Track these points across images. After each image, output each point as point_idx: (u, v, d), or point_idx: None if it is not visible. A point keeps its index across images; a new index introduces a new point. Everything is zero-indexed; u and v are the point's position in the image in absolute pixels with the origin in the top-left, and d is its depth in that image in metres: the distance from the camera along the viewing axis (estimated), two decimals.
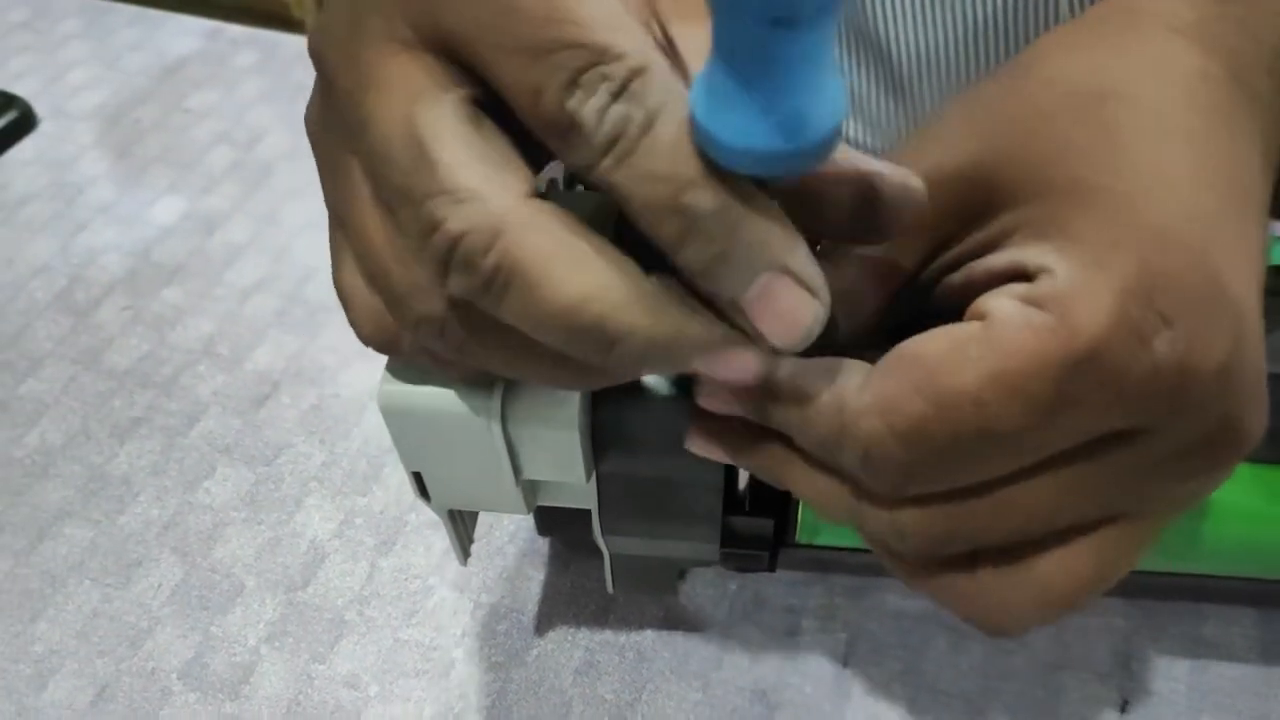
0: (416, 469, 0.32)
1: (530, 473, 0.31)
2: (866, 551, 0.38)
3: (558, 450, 0.30)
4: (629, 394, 0.31)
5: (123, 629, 0.45)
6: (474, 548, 0.47)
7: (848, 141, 0.26)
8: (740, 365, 0.22)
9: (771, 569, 0.38)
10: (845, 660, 0.44)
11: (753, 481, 0.35)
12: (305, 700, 0.43)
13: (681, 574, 0.46)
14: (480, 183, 0.21)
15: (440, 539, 0.48)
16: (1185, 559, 0.35)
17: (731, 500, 0.35)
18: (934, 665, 0.44)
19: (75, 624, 0.45)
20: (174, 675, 0.44)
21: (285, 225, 0.63)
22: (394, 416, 0.30)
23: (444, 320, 0.23)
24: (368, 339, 0.26)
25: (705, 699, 0.43)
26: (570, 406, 0.29)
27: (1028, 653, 0.44)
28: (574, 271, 0.20)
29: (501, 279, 0.21)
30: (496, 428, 0.29)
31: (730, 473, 0.33)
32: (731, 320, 0.22)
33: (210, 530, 0.49)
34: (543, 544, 0.48)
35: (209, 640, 0.45)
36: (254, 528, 0.49)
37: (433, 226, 0.21)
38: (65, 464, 0.51)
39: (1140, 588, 0.45)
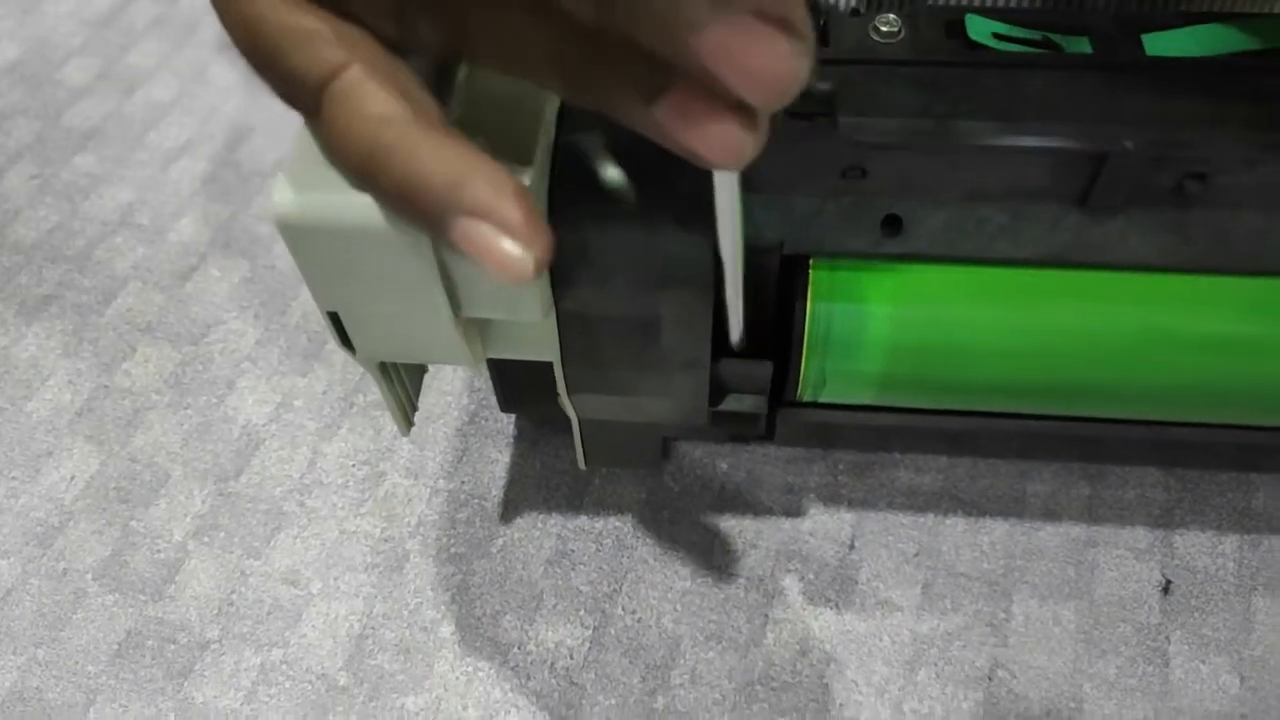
0: (332, 307, 0.26)
1: (472, 308, 0.25)
2: (876, 409, 0.33)
3: None
4: (594, 211, 0.25)
5: (29, 526, 0.40)
6: (430, 429, 0.42)
7: None
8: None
9: (769, 436, 0.32)
10: (851, 543, 0.39)
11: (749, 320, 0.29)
12: (239, 599, 0.38)
13: (666, 450, 0.41)
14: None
15: (390, 421, 0.42)
16: (1225, 406, 0.30)
17: (721, 347, 0.29)
18: (950, 545, 0.39)
19: None
20: (89, 575, 0.38)
21: (215, 83, 0.55)
22: (297, 234, 0.23)
23: None
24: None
25: (694, 588, 0.38)
26: None
27: (1056, 528, 0.39)
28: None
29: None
30: (425, 245, 0.23)
31: (720, 310, 0.27)
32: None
33: (130, 416, 0.43)
34: (507, 423, 0.42)
35: (129, 536, 0.39)
36: (180, 413, 0.43)
37: None
38: None
39: (1180, 452, 0.40)
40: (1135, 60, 0.27)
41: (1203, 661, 0.36)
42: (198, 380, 0.44)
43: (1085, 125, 0.26)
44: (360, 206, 0.23)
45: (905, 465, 0.41)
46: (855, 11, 0.29)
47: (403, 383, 0.31)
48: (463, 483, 0.41)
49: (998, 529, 0.39)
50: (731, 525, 0.39)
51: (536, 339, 0.28)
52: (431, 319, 0.25)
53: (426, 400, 0.43)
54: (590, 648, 0.36)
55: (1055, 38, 0.28)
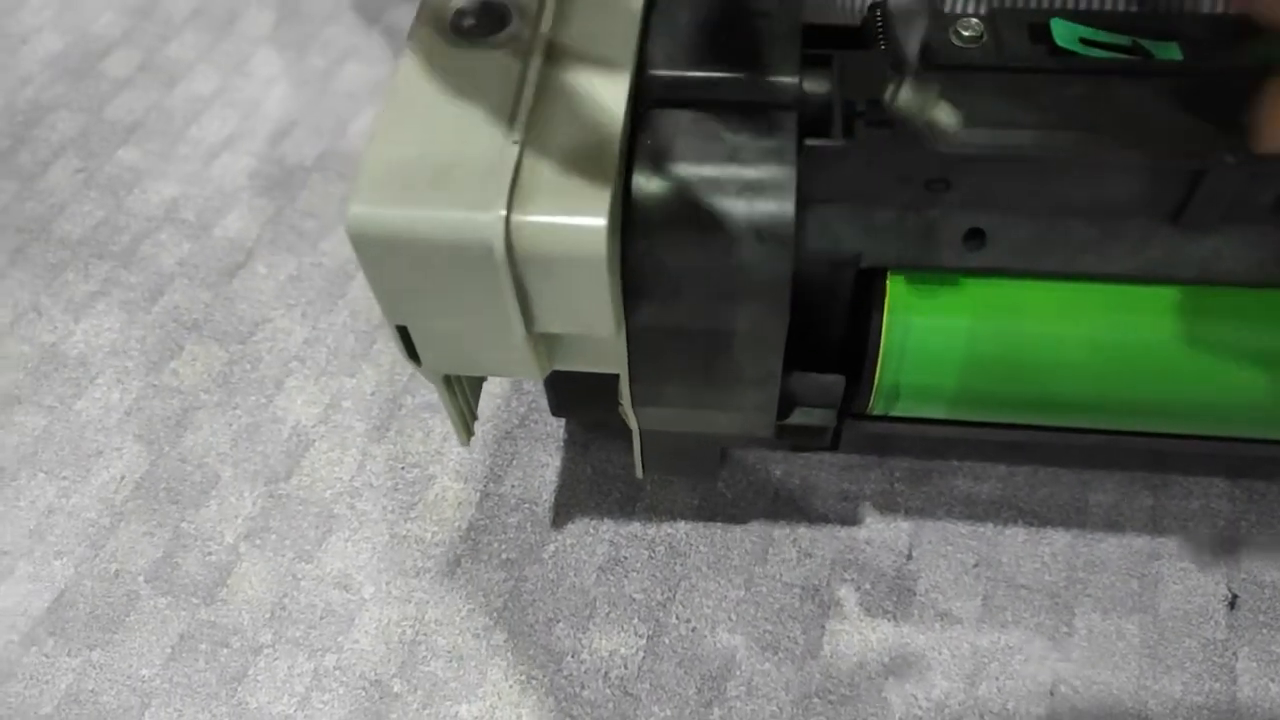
0: (401, 321, 0.25)
1: (545, 322, 0.25)
2: (941, 423, 0.32)
3: (580, 288, 0.23)
4: (671, 223, 0.24)
5: (81, 527, 0.40)
6: (479, 429, 0.42)
7: None
8: None
9: (834, 447, 0.32)
10: (909, 553, 0.38)
11: (818, 327, 0.29)
12: (291, 603, 0.38)
13: (721, 457, 0.40)
14: None
15: (441, 423, 0.42)
16: None
17: (790, 358, 0.28)
18: (1011, 556, 0.38)
19: (28, 521, 0.40)
20: (140, 578, 0.38)
21: (256, 76, 0.55)
22: (369, 246, 0.23)
23: None
24: None
25: (749, 596, 0.37)
26: (596, 231, 0.22)
27: (1119, 540, 0.38)
28: None
29: None
30: (500, 256, 0.22)
31: (793, 323, 0.27)
32: None
33: (179, 416, 0.43)
34: (558, 427, 0.42)
35: (180, 538, 0.39)
36: (228, 413, 0.43)
37: None
38: (14, 344, 0.45)
39: (1245, 463, 0.39)
40: (1228, 67, 0.26)
41: (1272, 680, 0.35)
42: (246, 380, 0.44)
43: (1180, 138, 0.25)
44: (435, 220, 0.23)
45: (963, 473, 0.40)
46: (936, 12, 0.29)
47: (464, 392, 0.30)
48: (513, 487, 0.40)
49: (1059, 539, 0.38)
50: (786, 533, 0.39)
51: (605, 352, 0.27)
52: (503, 334, 0.25)
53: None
54: (644, 657, 0.36)
55: (1144, 43, 0.27)
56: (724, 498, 0.40)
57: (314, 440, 0.42)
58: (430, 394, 0.43)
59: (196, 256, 0.48)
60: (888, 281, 0.27)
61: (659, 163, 0.25)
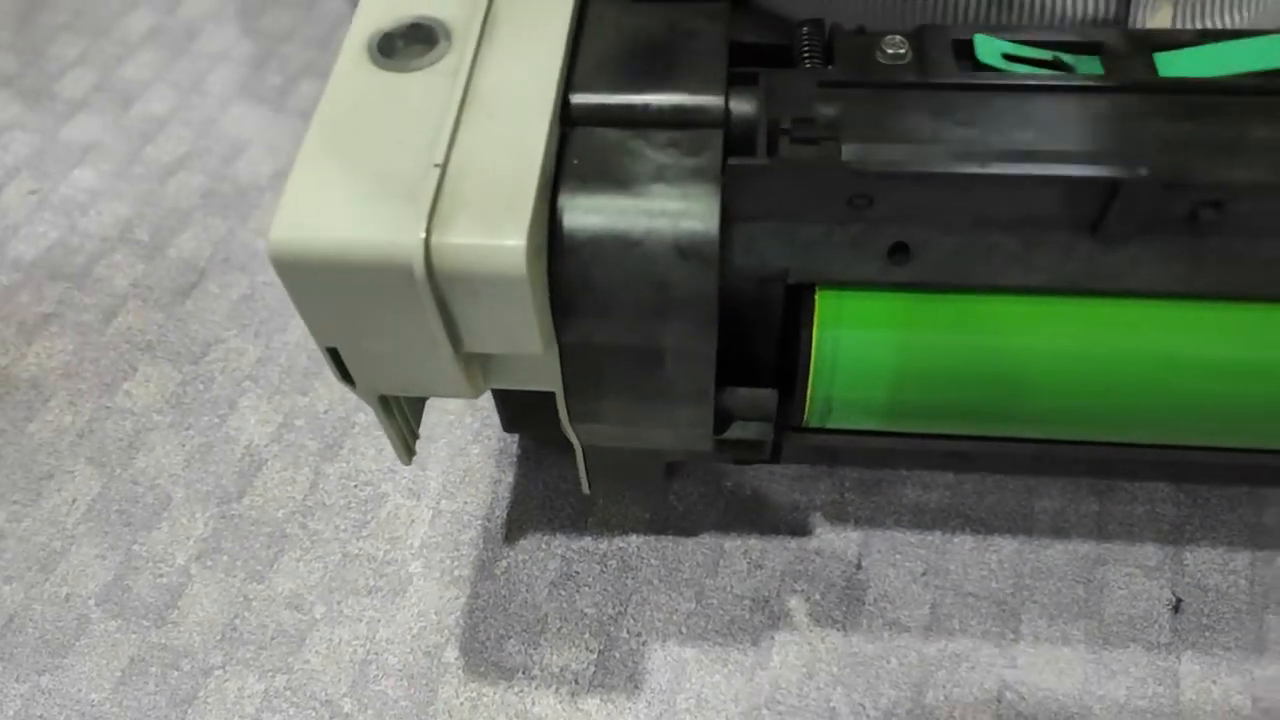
0: (330, 343, 0.25)
1: (473, 343, 0.25)
2: (881, 434, 0.32)
3: (504, 308, 0.24)
4: (596, 243, 0.25)
5: (32, 550, 0.39)
6: (432, 449, 0.42)
7: None
8: None
9: (775, 459, 0.32)
10: (859, 562, 0.38)
11: (748, 346, 0.29)
12: (242, 624, 0.37)
13: (670, 470, 0.40)
14: None
15: None
16: (1240, 432, 0.29)
17: (725, 373, 0.29)
18: (958, 564, 0.38)
19: None
20: (91, 601, 0.38)
21: (212, 94, 0.55)
22: (291, 271, 0.23)
23: None
24: None
25: (699, 609, 0.37)
26: (515, 251, 0.22)
27: (1065, 546, 0.38)
28: None
29: None
30: (421, 278, 0.22)
31: (725, 339, 0.27)
32: None
33: (131, 437, 0.42)
34: (510, 442, 0.42)
35: (131, 560, 0.39)
36: (181, 433, 0.43)
37: None
38: None
39: (1190, 469, 0.40)
40: (1148, 82, 0.27)
41: (1214, 682, 0.35)
42: (199, 400, 0.44)
43: (1098, 152, 0.25)
44: (355, 243, 0.23)
45: (912, 482, 0.40)
46: (860, 30, 0.29)
47: (403, 412, 0.30)
48: (466, 504, 0.40)
49: (1006, 547, 0.39)
50: (737, 545, 0.39)
51: (539, 370, 0.28)
52: (431, 355, 0.25)
53: (429, 419, 0.42)
54: (595, 672, 0.36)
55: (1066, 58, 0.28)
56: (675, 511, 0.40)
57: (267, 460, 0.42)
58: None
59: (150, 277, 0.48)
60: (816, 297, 0.27)
61: (585, 182, 0.25)
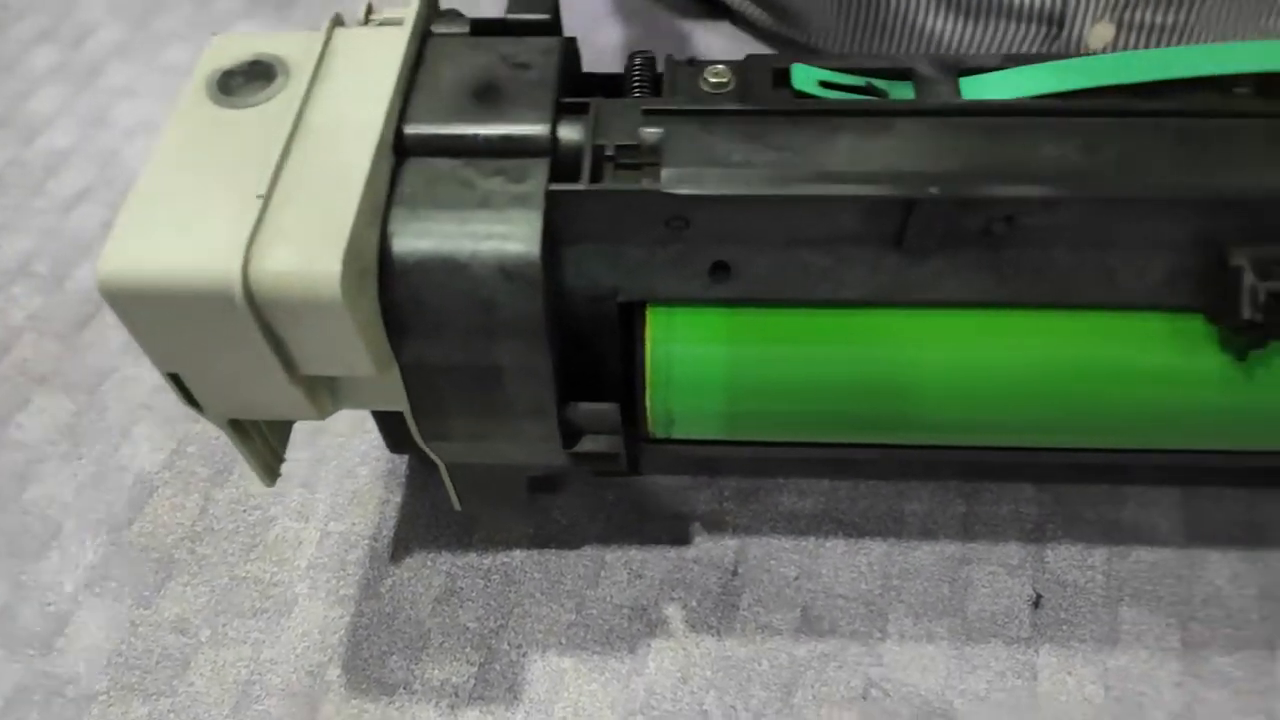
0: (170, 369, 0.26)
1: (307, 365, 0.26)
2: (740, 444, 0.34)
3: (327, 333, 0.25)
4: (424, 265, 0.26)
5: None
6: (322, 471, 0.43)
7: None
8: None
9: (633, 471, 0.33)
10: (735, 569, 0.40)
11: (588, 361, 0.30)
12: (128, 650, 0.38)
13: (547, 485, 0.42)
14: None
15: (286, 464, 0.42)
16: (1099, 432, 0.31)
17: (570, 388, 0.30)
18: (830, 568, 0.39)
19: None
20: None
21: (116, 127, 0.56)
22: (120, 301, 0.24)
23: None
24: None
25: (579, 620, 0.38)
26: (330, 277, 0.23)
27: (932, 547, 0.40)
28: None
29: None
30: (241, 305, 0.23)
31: (564, 354, 0.28)
32: None
33: (22, 469, 0.43)
34: (401, 463, 0.43)
35: (19, 590, 0.40)
36: (73, 463, 0.43)
37: None
38: None
39: (1051, 469, 0.41)
40: (949, 105, 0.28)
41: (1069, 673, 0.37)
42: (93, 429, 0.44)
43: (895, 173, 0.27)
44: (178, 273, 0.24)
45: (789, 490, 0.42)
46: (691, 61, 0.30)
47: (262, 435, 0.31)
48: (354, 524, 0.41)
49: (876, 549, 0.40)
50: (618, 556, 0.40)
51: (385, 391, 0.29)
52: (266, 379, 0.26)
53: (320, 442, 0.43)
54: (475, 684, 0.37)
55: (880, 83, 0.29)
56: (559, 524, 0.41)
57: (158, 486, 0.42)
58: None
59: (48, 310, 0.48)
60: (647, 314, 0.29)
61: (415, 209, 0.26)
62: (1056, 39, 0.47)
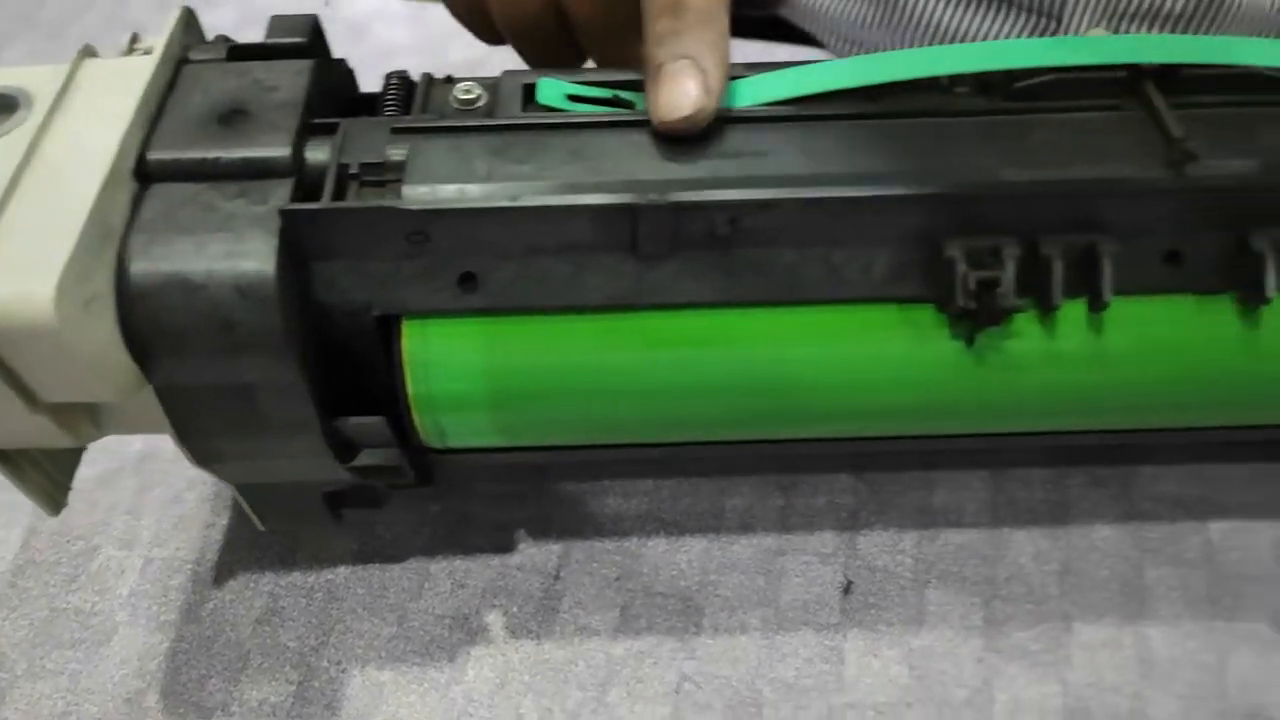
0: None
1: (47, 393, 0.26)
2: (523, 450, 0.34)
3: (54, 359, 0.25)
4: (164, 285, 0.26)
5: None
6: (147, 497, 0.43)
7: None
8: None
9: (424, 482, 0.34)
10: (557, 573, 0.40)
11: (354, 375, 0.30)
12: None
13: (371, 499, 0.42)
14: None
15: (106, 494, 0.42)
16: (911, 420, 0.32)
17: (344, 402, 0.30)
18: (650, 566, 0.40)
19: None
20: None
21: None
22: None
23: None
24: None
25: (400, 632, 0.39)
26: (45, 301, 0.24)
27: (750, 540, 0.41)
28: None
29: None
30: None
31: (329, 369, 0.29)
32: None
33: None
34: (227, 485, 0.43)
35: None
36: None
37: None
38: None
39: (867, 458, 0.43)
40: None
41: (875, 655, 0.38)
42: None
43: (625, 181, 0.28)
44: None
45: (614, 491, 0.42)
46: (448, 79, 0.31)
47: (36, 464, 0.31)
48: (178, 549, 0.41)
49: (696, 546, 0.41)
50: (442, 567, 0.41)
51: (148, 415, 0.29)
52: (5, 407, 0.26)
53: (146, 468, 0.43)
54: (293, 703, 0.37)
55: (626, 95, 0.30)
56: (383, 539, 0.41)
57: None
58: (100, 466, 0.43)
59: None
60: (403, 327, 0.29)
61: (154, 235, 0.27)
62: (1055, 33, 0.49)
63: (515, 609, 0.39)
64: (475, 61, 0.57)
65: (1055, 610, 0.39)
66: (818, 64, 0.30)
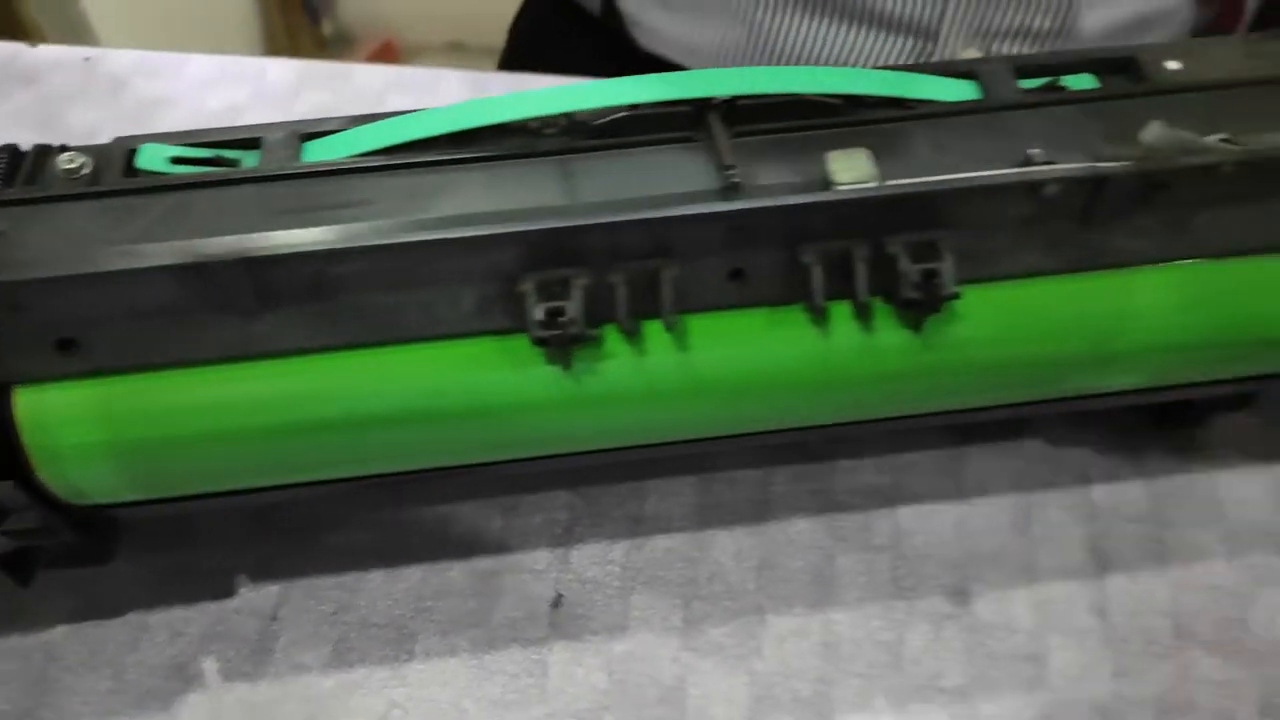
0: None
1: None
2: (172, 500, 0.35)
3: None
4: None
5: None
6: None
7: None
8: None
9: (101, 561, 0.34)
10: (275, 614, 0.41)
11: None
12: None
13: (96, 557, 0.42)
14: None
15: None
16: (516, 443, 0.34)
17: None
18: (368, 599, 0.41)
19: None
20: None
21: None
22: None
23: None
24: None
25: (116, 687, 0.39)
26: None
27: (466, 564, 0.42)
28: None
29: None
30: None
31: None
32: None
33: None
34: None
35: None
36: None
37: None
38: None
39: (583, 473, 0.44)
40: (281, 171, 0.31)
41: (579, 665, 0.40)
42: None
43: (219, 239, 0.29)
44: None
45: (332, 528, 0.43)
46: (63, 148, 0.32)
47: None
48: None
49: (414, 575, 0.42)
50: (160, 618, 0.41)
51: None
52: None
53: None
54: None
55: (229, 154, 0.32)
56: (103, 595, 0.42)
57: None
58: None
59: None
60: (14, 394, 0.30)
61: None
62: (930, 55, 0.50)
63: (231, 653, 0.40)
64: (234, 110, 0.58)
65: (750, 605, 0.41)
66: (418, 112, 0.32)
